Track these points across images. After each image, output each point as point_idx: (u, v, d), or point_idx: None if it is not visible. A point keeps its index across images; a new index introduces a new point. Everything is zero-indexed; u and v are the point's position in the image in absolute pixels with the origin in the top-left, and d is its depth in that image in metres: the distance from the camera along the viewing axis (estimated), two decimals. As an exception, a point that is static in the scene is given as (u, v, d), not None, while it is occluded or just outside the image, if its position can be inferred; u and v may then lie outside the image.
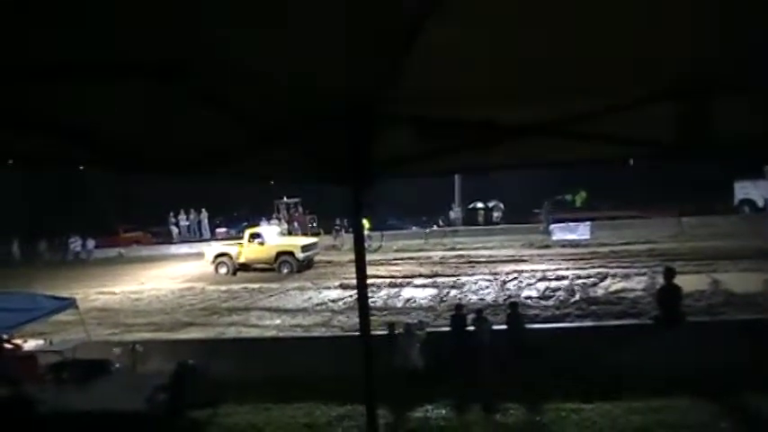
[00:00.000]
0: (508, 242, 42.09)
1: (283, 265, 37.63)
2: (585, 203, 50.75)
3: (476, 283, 28.77)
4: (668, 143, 4.11)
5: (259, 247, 38.77)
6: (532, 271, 30.44)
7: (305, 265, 38.19)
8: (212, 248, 41.12)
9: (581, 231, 41.30)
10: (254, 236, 39.46)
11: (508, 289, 27.23)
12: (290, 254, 37.87)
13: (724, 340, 14.56)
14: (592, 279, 27.50)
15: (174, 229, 57.21)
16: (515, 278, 29.14)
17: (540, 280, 28.15)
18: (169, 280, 38.23)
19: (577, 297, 24.49)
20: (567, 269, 30.32)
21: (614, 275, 27.93)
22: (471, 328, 17.24)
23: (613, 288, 25.68)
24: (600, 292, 25.27)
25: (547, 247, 39.27)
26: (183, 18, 2.35)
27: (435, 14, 2.34)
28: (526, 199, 49.06)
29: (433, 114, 3.70)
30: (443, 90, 3.32)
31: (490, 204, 52.02)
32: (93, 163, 4.47)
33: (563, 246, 39.01)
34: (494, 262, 34.52)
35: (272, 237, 40.24)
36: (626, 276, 27.56)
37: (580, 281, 27.26)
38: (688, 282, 20.84)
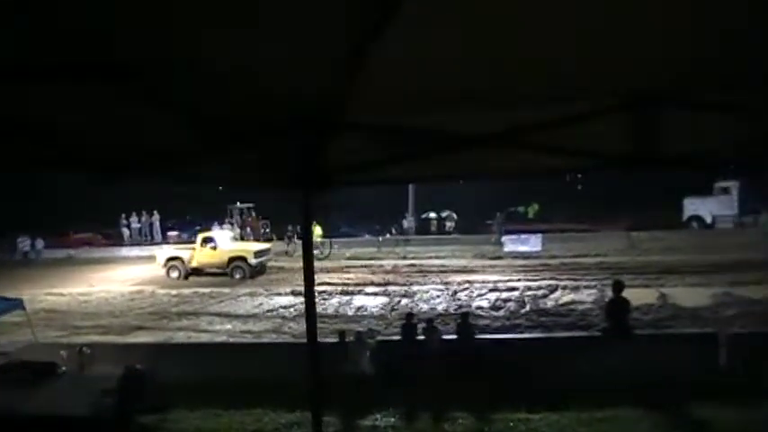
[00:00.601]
0: (460, 252, 42.21)
1: (236, 271, 37.40)
2: (538, 215, 51.26)
3: (427, 293, 28.83)
4: (616, 155, 4.17)
5: (212, 252, 38.45)
6: (484, 281, 30.58)
7: (257, 271, 37.99)
8: (164, 252, 40.76)
9: (532, 243, 41.61)
10: (207, 240, 39.18)
11: (459, 299, 27.33)
12: (243, 259, 37.60)
13: (670, 353, 14.75)
14: (542, 291, 27.74)
15: (126, 232, 56.52)
16: (466, 288, 29.24)
17: (491, 290, 28.29)
18: (119, 283, 37.66)
19: (528, 308, 24.70)
20: (518, 280, 30.47)
21: (564, 287, 28.19)
22: (422, 337, 17.29)
23: (563, 300, 25.94)
24: (550, 303, 25.51)
25: (498, 258, 39.51)
26: (135, 19, 2.33)
27: (390, 22, 2.35)
28: (479, 210, 49.38)
29: (384, 122, 3.71)
30: (395, 98, 3.33)
31: (443, 214, 52.27)
32: (39, 163, 4.41)
33: (514, 257, 39.28)
34: (446, 272, 34.63)
35: (225, 241, 39.93)
36: (576, 289, 27.85)
37: (531, 292, 27.49)
38: (636, 295, 21.12)
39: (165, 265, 39.11)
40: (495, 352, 16.62)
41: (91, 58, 2.53)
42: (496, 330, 21.31)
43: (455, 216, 51.97)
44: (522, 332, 21.09)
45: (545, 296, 26.75)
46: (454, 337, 17.51)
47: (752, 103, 3.53)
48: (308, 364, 5.17)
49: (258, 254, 38.73)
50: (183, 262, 38.71)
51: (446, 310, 25.12)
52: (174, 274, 38.49)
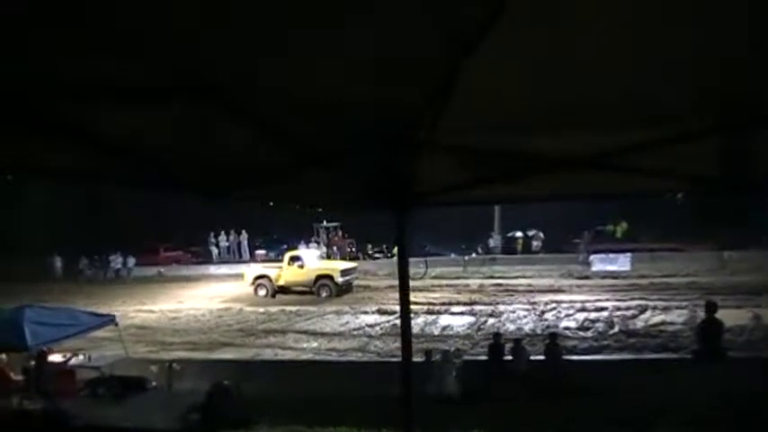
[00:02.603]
0: (547, 272, 41.71)
1: (322, 289, 37.72)
2: (626, 235, 50.30)
3: (514, 313, 28.58)
4: (711, 177, 4.09)
5: (299, 270, 38.86)
6: (571, 301, 30.16)
7: (344, 290, 38.15)
8: (252, 270, 41.50)
9: (621, 262, 40.90)
10: (294, 259, 39.59)
11: (546, 319, 27.03)
12: (330, 278, 37.91)
13: (764, 376, 14.30)
14: (631, 311, 27.19)
15: (214, 250, 57.50)
16: (554, 308, 28.89)
17: (578, 311, 27.89)
18: (207, 300, 38.48)
19: (616, 329, 24.26)
20: (607, 300, 29.96)
21: (654, 308, 27.58)
22: (509, 357, 17.15)
23: (653, 321, 25.40)
24: (639, 324, 25.01)
25: (586, 277, 38.91)
26: (221, 41, 2.39)
27: (483, 38, 2.36)
28: (566, 229, 48.69)
29: (474, 143, 3.71)
30: (486, 119, 3.33)
31: (530, 233, 51.72)
32: (131, 182, 4.53)
33: (602, 277, 38.63)
34: (532, 291, 34.27)
35: (312, 260, 40.43)
36: (666, 309, 27.20)
37: (619, 312, 26.98)
38: (729, 316, 20.50)
39: (253, 283, 39.68)
40: (583, 373, 16.36)
41: (185, 79, 2.60)
42: (584, 351, 20.98)
43: (541, 235, 51.38)
44: (610, 353, 20.72)
45: (634, 317, 26.21)
46: (542, 357, 17.30)
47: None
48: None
49: (344, 272, 38.96)
50: (270, 280, 39.24)
51: (533, 331, 24.87)
52: (262, 292, 39.00)
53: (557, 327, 24.71)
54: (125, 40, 2.28)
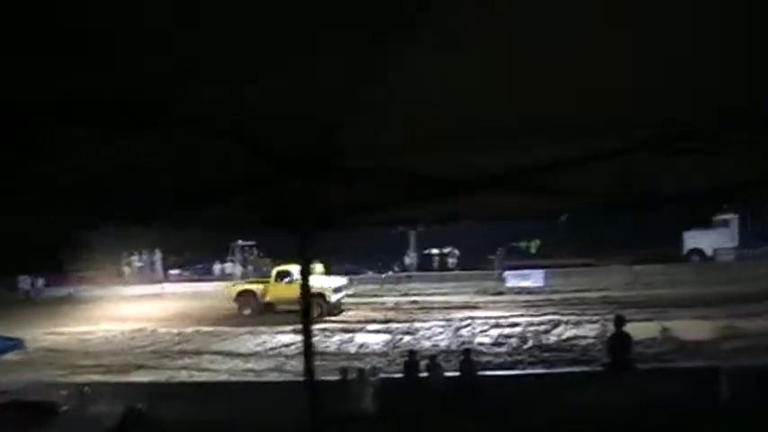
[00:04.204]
0: (462, 288, 42.12)
1: (314, 308, 35.30)
2: (540, 251, 51.19)
3: (429, 330, 28.71)
4: (609, 196, 4.21)
5: (288, 287, 36.37)
6: (486, 318, 30.47)
7: (336, 309, 36.74)
8: (235, 286, 40.46)
9: (534, 278, 41.56)
10: (283, 274, 37.90)
11: (461, 335, 27.24)
12: (322, 296, 35.37)
13: (672, 387, 14.69)
14: (544, 326, 27.63)
15: (127, 270, 56.43)
16: (469, 324, 29.13)
17: (493, 327, 28.19)
18: (119, 321, 37.58)
19: (530, 344, 24.62)
20: (521, 316, 30.41)
21: (567, 322, 28.10)
22: (425, 374, 17.22)
23: (566, 335, 25.86)
24: (552, 339, 25.42)
25: (500, 293, 39.52)
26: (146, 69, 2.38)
27: (389, 70, 2.39)
28: (481, 245, 49.25)
29: (386, 166, 3.74)
30: (397, 143, 3.36)
31: (445, 250, 52.19)
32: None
33: (517, 293, 39.25)
34: (448, 308, 34.56)
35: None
36: (578, 324, 27.74)
37: (533, 328, 27.39)
38: (639, 329, 21.06)
39: (237, 299, 38.60)
40: (498, 388, 16.55)
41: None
42: (499, 367, 21.22)
43: (457, 252, 51.94)
44: (524, 368, 21.01)
45: (547, 332, 26.66)
46: (457, 374, 17.42)
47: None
48: (309, 402, 5.17)
49: (337, 290, 37.58)
50: (255, 296, 38.27)
51: (448, 347, 25.02)
52: (247, 311, 37.87)
53: (471, 343, 24.91)
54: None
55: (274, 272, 38.68)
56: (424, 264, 52.12)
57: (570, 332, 26.30)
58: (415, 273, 49.65)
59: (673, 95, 2.97)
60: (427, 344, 25.97)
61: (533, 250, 51.57)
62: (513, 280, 41.85)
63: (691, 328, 24.43)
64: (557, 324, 27.90)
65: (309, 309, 5.09)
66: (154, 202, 4.10)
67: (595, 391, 15.14)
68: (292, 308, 34.55)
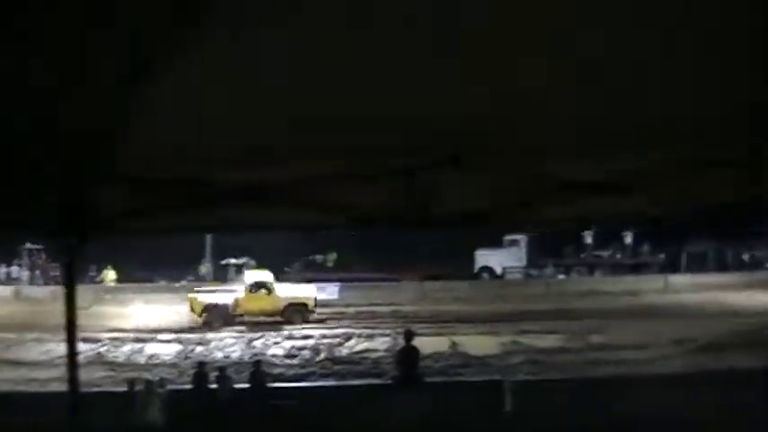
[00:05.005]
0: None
1: (294, 317, 32.82)
2: (336, 264, 51.63)
3: (222, 341, 28.30)
4: (397, 211, 4.29)
5: (265, 298, 34.51)
6: (280, 330, 30.41)
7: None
8: (199, 298, 34.72)
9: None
10: (258, 285, 35.79)
11: (254, 347, 27.03)
12: (304, 305, 34.37)
13: (458, 400, 15.20)
14: (337, 339, 27.88)
15: None
16: (262, 336, 28.93)
17: (286, 338, 28.16)
18: None
19: (322, 356, 24.78)
20: (315, 328, 30.55)
21: (359, 336, 28.47)
22: (214, 385, 17.01)
23: (358, 348, 26.25)
24: (344, 351, 25.71)
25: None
26: None
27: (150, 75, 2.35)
28: (279, 257, 49.04)
29: (146, 173, 3.65)
30: (159, 149, 3.29)
31: (242, 261, 51.64)
32: None
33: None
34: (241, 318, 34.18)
35: (281, 287, 36.75)
36: (370, 337, 28.17)
37: (326, 340, 27.58)
38: (429, 343, 21.69)
39: (202, 313, 33.53)
40: (288, 400, 16.55)
41: None
42: (291, 378, 21.23)
43: (253, 263, 51.53)
44: (315, 380, 21.12)
45: (340, 344, 26.93)
46: (247, 385, 17.30)
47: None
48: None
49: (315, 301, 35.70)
50: (225, 309, 33.80)
51: (241, 359, 24.77)
52: (216, 324, 32.54)
53: (264, 354, 24.79)
54: None
55: (247, 282, 36.53)
56: (221, 274, 51.34)
57: (362, 345, 26.71)
58: (211, 283, 48.71)
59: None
60: (219, 354, 25.60)
61: (330, 263, 51.95)
62: (309, 292, 41.97)
63: (478, 344, 25.47)
64: (349, 337, 28.22)
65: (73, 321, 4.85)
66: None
67: (383, 404, 15.44)
68: (267, 319, 33.04)
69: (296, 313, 33.25)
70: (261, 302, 34.05)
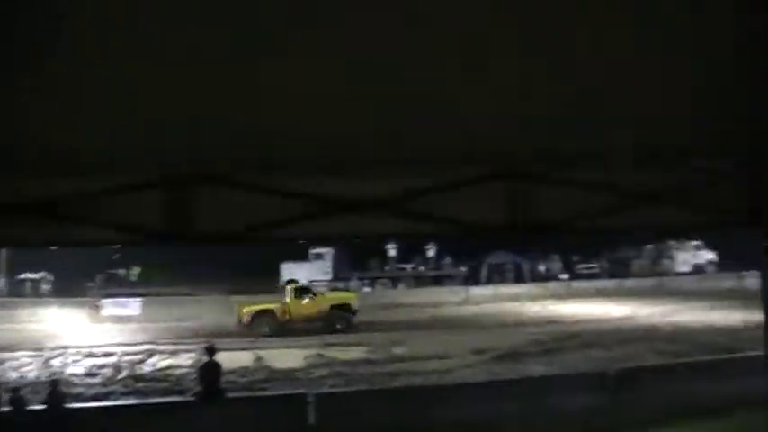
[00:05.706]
0: (56, 316, 40.33)
1: (338, 320, 35.68)
2: (141, 278, 50.68)
3: (17, 360, 27.13)
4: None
5: (309, 303, 36.67)
6: (79, 347, 29.55)
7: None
8: (249, 307, 35.70)
9: (132, 307, 41.10)
10: (302, 290, 38.11)
11: (52, 366, 26.13)
12: (347, 306, 36.90)
13: (262, 414, 15.55)
14: (140, 356, 27.48)
15: None
16: (61, 354, 28.04)
17: (86, 356, 27.43)
18: None
19: (124, 374, 24.35)
20: (116, 345, 29.97)
21: (162, 352, 28.25)
22: (7, 408, 16.43)
23: (161, 365, 25.95)
24: (147, 368, 25.37)
25: (97, 322, 38.50)
26: None
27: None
28: (78, 271, 47.58)
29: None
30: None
31: (38, 276, 49.64)
32: None
33: (113, 321, 38.56)
34: (35, 335, 33.01)
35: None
36: (174, 353, 28.01)
37: (128, 357, 27.10)
38: (235, 358, 21.96)
39: (253, 321, 34.64)
40: (87, 420, 16.25)
41: None
42: (91, 398, 20.75)
43: (51, 277, 49.66)
44: (117, 398, 20.77)
45: (142, 361, 26.54)
46: (44, 406, 16.82)
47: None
48: None
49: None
50: (275, 316, 35.24)
51: (38, 378, 23.87)
52: (265, 328, 34.46)
53: (62, 373, 24.06)
54: None
55: (290, 289, 38.56)
56: (17, 289, 49.10)
57: (165, 362, 26.46)
58: (5, 299, 46.43)
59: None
60: (14, 375, 24.56)
61: (134, 278, 50.90)
62: (111, 308, 41.01)
63: (283, 357, 25.92)
64: (152, 353, 27.91)
65: None
66: None
67: (186, 420, 15.51)
68: (309, 326, 35.22)
69: (340, 313, 36.21)
70: (307, 307, 36.49)
